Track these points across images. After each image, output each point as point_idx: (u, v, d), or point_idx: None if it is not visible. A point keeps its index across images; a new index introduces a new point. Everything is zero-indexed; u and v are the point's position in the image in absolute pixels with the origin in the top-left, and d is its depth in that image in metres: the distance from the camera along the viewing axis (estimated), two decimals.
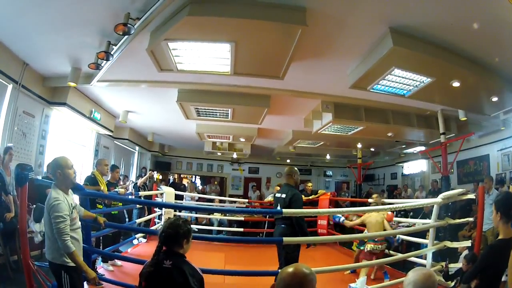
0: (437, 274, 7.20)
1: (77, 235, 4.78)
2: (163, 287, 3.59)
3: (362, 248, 8.84)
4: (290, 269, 2.61)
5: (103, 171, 8.91)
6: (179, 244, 3.73)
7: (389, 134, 14.26)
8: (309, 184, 16.21)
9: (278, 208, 7.15)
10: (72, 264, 4.50)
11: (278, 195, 7.53)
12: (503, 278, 4.12)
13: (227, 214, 15.58)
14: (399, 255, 8.50)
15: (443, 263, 7.28)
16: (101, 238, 8.58)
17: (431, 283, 2.83)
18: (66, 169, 4.75)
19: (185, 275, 3.53)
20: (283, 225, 7.14)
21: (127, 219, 11.53)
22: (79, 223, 4.96)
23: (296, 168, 7.80)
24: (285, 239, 6.60)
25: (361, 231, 9.93)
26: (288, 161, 26.41)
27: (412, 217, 13.07)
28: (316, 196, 14.80)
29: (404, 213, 14.07)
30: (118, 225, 8.89)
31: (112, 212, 9.16)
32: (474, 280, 4.32)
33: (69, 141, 13.51)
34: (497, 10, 6.06)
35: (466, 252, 7.89)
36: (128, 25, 6.22)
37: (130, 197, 10.65)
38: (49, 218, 4.44)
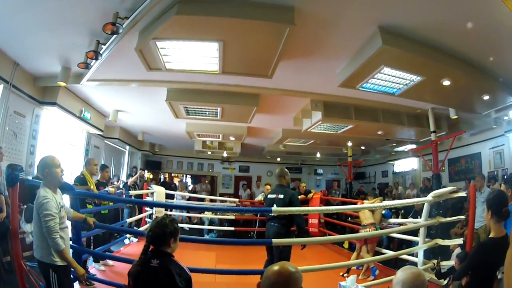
0: (429, 272, 7.24)
1: (65, 234, 4.80)
2: (150, 286, 3.58)
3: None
4: (275, 267, 2.58)
5: (92, 171, 8.86)
6: (166, 243, 3.72)
7: (379, 133, 14.32)
8: (303, 184, 16.24)
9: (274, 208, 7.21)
10: (60, 263, 4.56)
11: (272, 195, 7.71)
12: (499, 276, 4.13)
13: (218, 213, 15.65)
14: (391, 253, 8.55)
15: (435, 261, 7.30)
16: (91, 238, 8.53)
17: (420, 282, 2.80)
18: (54, 168, 4.79)
19: (171, 274, 3.52)
20: (277, 224, 7.30)
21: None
22: (67, 222, 5.03)
23: (286, 169, 8.03)
24: (274, 240, 6.80)
25: (353, 229, 9.97)
26: (278, 159, 26.54)
27: (403, 215, 13.22)
28: (308, 197, 14.79)
29: (395, 211, 14.05)
30: (108, 226, 8.84)
31: (102, 212, 9.19)
32: (464, 277, 4.34)
33: (60, 141, 13.48)
34: (486, 9, 6.09)
35: (458, 250, 7.93)
36: (117, 24, 6.21)
37: (123, 195, 10.51)
38: (38, 217, 4.48)
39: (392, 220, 10.81)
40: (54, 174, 4.76)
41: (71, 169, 13.47)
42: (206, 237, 15.04)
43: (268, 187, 14.34)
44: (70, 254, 5.06)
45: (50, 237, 4.41)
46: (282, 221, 7.27)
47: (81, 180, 8.43)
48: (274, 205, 7.40)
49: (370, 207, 9.17)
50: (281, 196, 7.47)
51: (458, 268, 6.10)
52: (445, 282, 6.76)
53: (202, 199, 18.68)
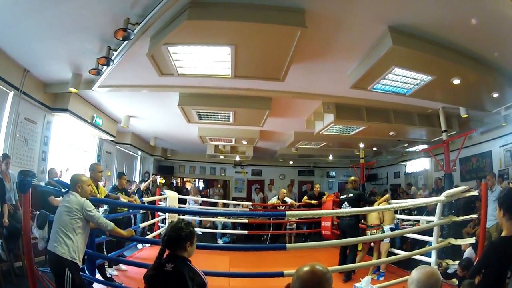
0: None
1: (85, 237, 5.51)
2: None
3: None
4: (306, 268, 2.54)
5: (97, 178, 8.48)
6: (182, 247, 3.71)
7: (391, 133, 14.24)
8: (317, 185, 16.14)
9: (346, 205, 9.63)
10: (78, 262, 5.18)
11: (344, 196, 9.96)
12: (508, 275, 4.10)
13: (231, 217, 15.56)
14: (404, 254, 8.53)
15: (447, 261, 7.28)
16: (103, 243, 8.55)
17: (434, 281, 2.84)
18: (86, 185, 5.63)
19: (184, 278, 3.50)
20: (349, 218, 9.45)
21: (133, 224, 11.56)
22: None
23: (357, 179, 10.71)
24: (288, 245, 7.73)
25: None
26: (291, 162, 26.49)
27: (416, 216, 13.07)
28: (322, 200, 14.72)
29: (408, 211, 14.00)
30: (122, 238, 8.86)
31: (118, 218, 9.16)
32: (477, 276, 4.28)
33: (71, 147, 13.53)
34: (495, 6, 6.06)
35: (469, 249, 7.93)
36: (128, 30, 6.23)
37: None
38: (69, 216, 5.18)
39: (401, 216, 11.05)
40: (85, 190, 5.59)
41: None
42: (220, 241, 15.20)
43: (284, 190, 14.54)
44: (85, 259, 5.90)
45: (100, 223, 5.50)
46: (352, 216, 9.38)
47: None
48: (346, 202, 9.69)
49: (382, 209, 9.16)
50: (351, 195, 9.67)
51: (462, 275, 6.18)
52: (457, 282, 6.75)
53: (215, 204, 18.70)
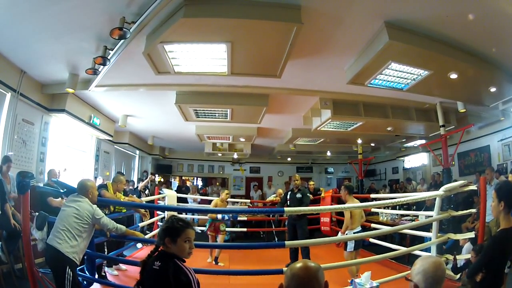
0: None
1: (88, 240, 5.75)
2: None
3: None
4: (299, 264, 2.49)
5: (118, 188, 8.83)
6: (162, 242, 3.56)
7: (389, 129, 14.21)
8: (311, 182, 16.08)
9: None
10: (78, 262, 5.36)
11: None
12: (506, 271, 4.09)
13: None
14: (403, 249, 8.50)
15: (447, 256, 7.26)
16: (105, 243, 8.54)
17: (441, 272, 2.72)
18: (95, 190, 6.01)
19: (167, 278, 3.38)
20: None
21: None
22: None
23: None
24: (287, 243, 7.71)
25: (365, 227, 9.85)
26: (289, 159, 26.56)
27: (415, 211, 13.05)
28: (321, 195, 14.71)
29: (408, 207, 13.98)
30: (125, 238, 8.85)
31: (120, 217, 9.19)
32: (480, 273, 4.17)
33: (69, 147, 13.51)
34: (493, 1, 6.06)
35: (468, 245, 7.93)
36: (124, 29, 6.21)
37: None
38: (78, 220, 5.40)
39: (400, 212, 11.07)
40: (94, 195, 5.94)
41: (82, 175, 13.49)
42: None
43: (280, 191, 14.59)
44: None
45: (112, 229, 5.92)
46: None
47: (104, 186, 8.57)
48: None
49: (379, 204, 9.12)
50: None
51: (472, 263, 6.10)
52: (458, 276, 6.73)
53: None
